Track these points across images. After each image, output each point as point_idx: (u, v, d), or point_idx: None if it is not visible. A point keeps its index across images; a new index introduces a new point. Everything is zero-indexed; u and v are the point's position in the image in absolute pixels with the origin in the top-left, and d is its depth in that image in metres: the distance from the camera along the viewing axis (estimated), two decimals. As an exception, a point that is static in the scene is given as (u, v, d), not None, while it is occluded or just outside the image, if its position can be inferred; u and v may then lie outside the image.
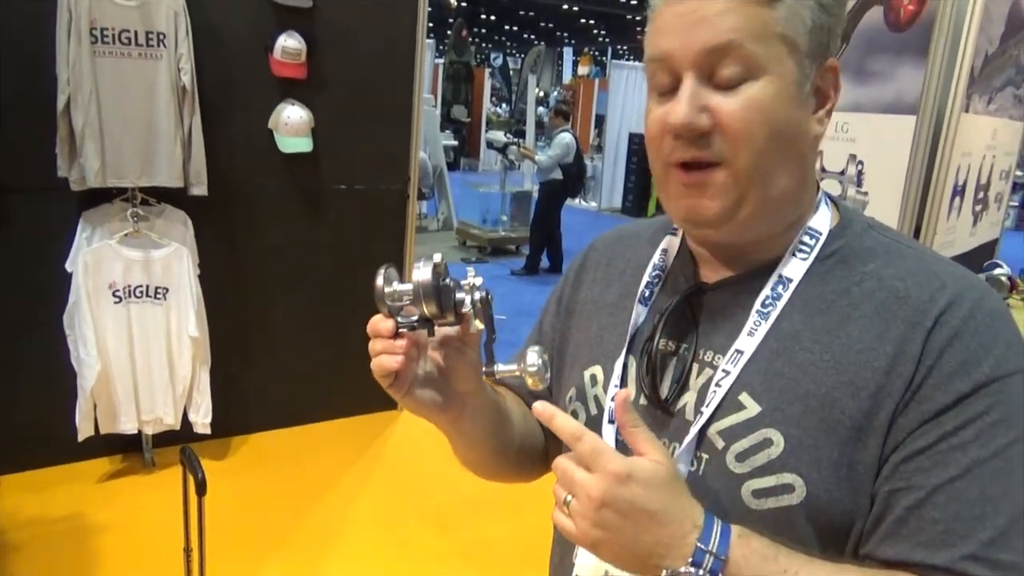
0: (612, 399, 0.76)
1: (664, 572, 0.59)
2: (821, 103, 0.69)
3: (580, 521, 0.60)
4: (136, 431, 2.98)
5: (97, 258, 2.80)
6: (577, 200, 10.87)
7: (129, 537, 2.65)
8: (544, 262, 7.50)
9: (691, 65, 0.65)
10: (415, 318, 0.68)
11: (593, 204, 11.99)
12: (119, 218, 2.86)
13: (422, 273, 0.65)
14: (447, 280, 0.67)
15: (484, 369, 0.72)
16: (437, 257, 0.66)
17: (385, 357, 0.68)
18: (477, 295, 0.67)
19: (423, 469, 3.36)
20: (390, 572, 2.60)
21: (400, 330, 0.68)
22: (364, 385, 3.88)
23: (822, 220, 0.72)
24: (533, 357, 0.69)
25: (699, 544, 0.59)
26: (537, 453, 0.91)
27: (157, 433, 3.05)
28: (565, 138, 7.30)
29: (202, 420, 3.03)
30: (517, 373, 0.70)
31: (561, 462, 0.62)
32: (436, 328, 0.69)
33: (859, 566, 0.63)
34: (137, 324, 2.90)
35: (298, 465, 3.30)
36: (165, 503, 2.79)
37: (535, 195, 7.86)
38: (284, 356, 3.53)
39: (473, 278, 0.67)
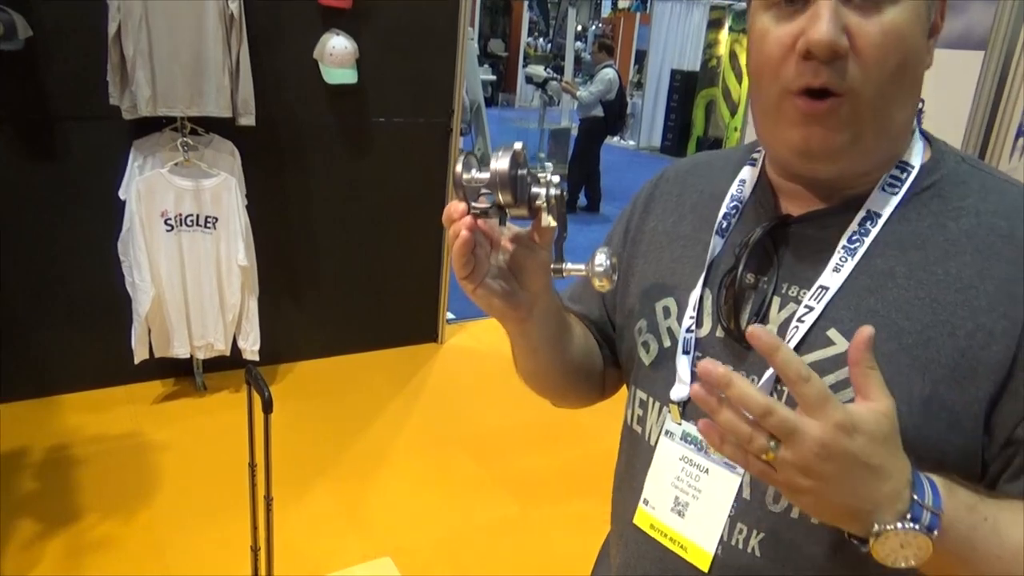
0: (688, 330, 0.76)
1: (875, 527, 0.56)
2: (933, 32, 0.67)
3: (789, 470, 0.55)
4: (188, 356, 3.09)
5: (150, 186, 2.85)
6: (616, 138, 10.68)
7: (187, 454, 2.78)
8: (581, 200, 7.44)
9: None
10: (489, 205, 0.68)
11: (631, 142, 11.78)
12: (169, 147, 2.89)
13: (501, 162, 0.65)
14: (524, 171, 0.67)
15: (553, 266, 0.72)
16: (518, 146, 0.66)
17: (463, 234, 0.66)
18: (552, 191, 0.67)
19: (463, 400, 3.44)
20: (434, 497, 2.70)
21: (472, 213, 0.69)
22: (407, 316, 3.95)
23: (915, 153, 0.71)
24: (601, 258, 0.69)
25: (915, 498, 0.56)
26: (595, 377, 0.91)
27: (207, 358, 3.16)
28: (608, 74, 7.12)
29: (251, 347, 3.13)
30: (585, 272, 0.70)
31: (773, 404, 0.54)
32: (508, 218, 0.70)
33: None
34: (188, 252, 2.97)
35: (342, 393, 3.40)
36: (219, 424, 2.93)
37: (574, 132, 7.74)
38: (329, 287, 3.59)
39: (551, 174, 0.67)
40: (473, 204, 0.68)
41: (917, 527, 0.55)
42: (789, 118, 0.66)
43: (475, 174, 0.67)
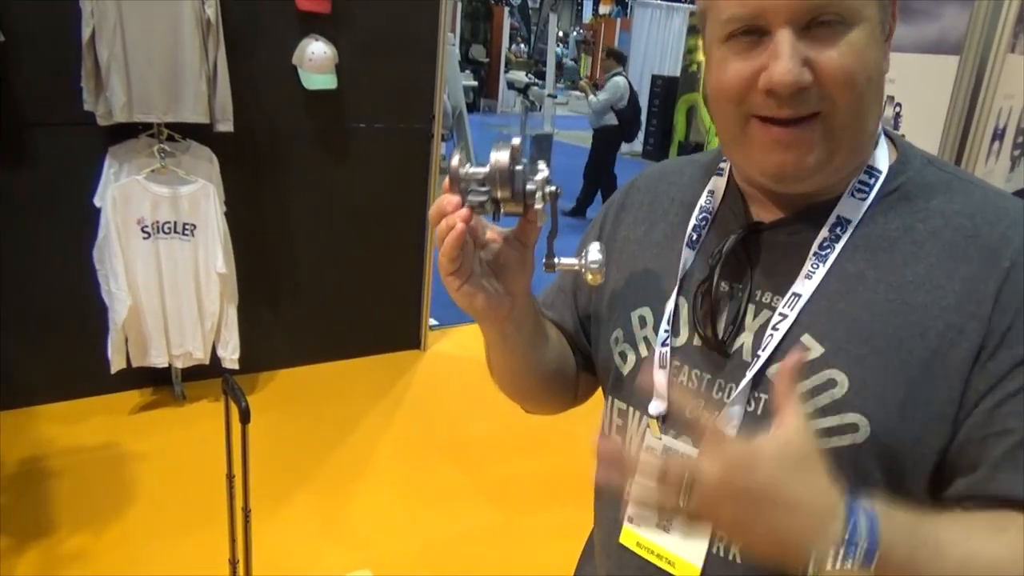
0: (663, 343, 0.76)
1: (811, 567, 0.54)
2: (888, 36, 0.68)
3: (708, 510, 0.56)
4: (166, 365, 3.04)
5: (125, 194, 2.81)
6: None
7: (165, 465, 2.74)
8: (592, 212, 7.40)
9: (787, 20, 0.62)
10: (482, 199, 0.67)
11: (613, 148, 11.81)
12: (146, 154, 2.86)
13: (501, 155, 0.64)
14: (521, 166, 0.67)
15: (545, 261, 0.72)
16: (516, 141, 0.66)
17: (458, 226, 0.65)
18: (548, 188, 0.67)
19: (446, 407, 3.42)
20: (415, 507, 2.67)
21: (467, 206, 0.68)
22: (389, 323, 3.91)
23: (881, 157, 0.71)
24: (594, 253, 0.69)
25: (848, 530, 0.54)
26: (569, 382, 0.91)
27: (186, 367, 3.11)
28: (618, 81, 7.04)
29: (230, 356, 3.09)
30: (577, 267, 0.70)
31: (665, 465, 0.56)
32: (502, 214, 0.69)
33: (975, 513, 0.62)
34: (166, 260, 2.93)
35: (324, 401, 3.37)
36: (198, 434, 2.88)
37: (557, 138, 7.70)
38: (309, 294, 3.56)
39: (543, 170, 0.67)
40: (467, 198, 0.67)
41: (851, 564, 0.53)
42: (759, 143, 0.66)
43: (471, 168, 0.67)
